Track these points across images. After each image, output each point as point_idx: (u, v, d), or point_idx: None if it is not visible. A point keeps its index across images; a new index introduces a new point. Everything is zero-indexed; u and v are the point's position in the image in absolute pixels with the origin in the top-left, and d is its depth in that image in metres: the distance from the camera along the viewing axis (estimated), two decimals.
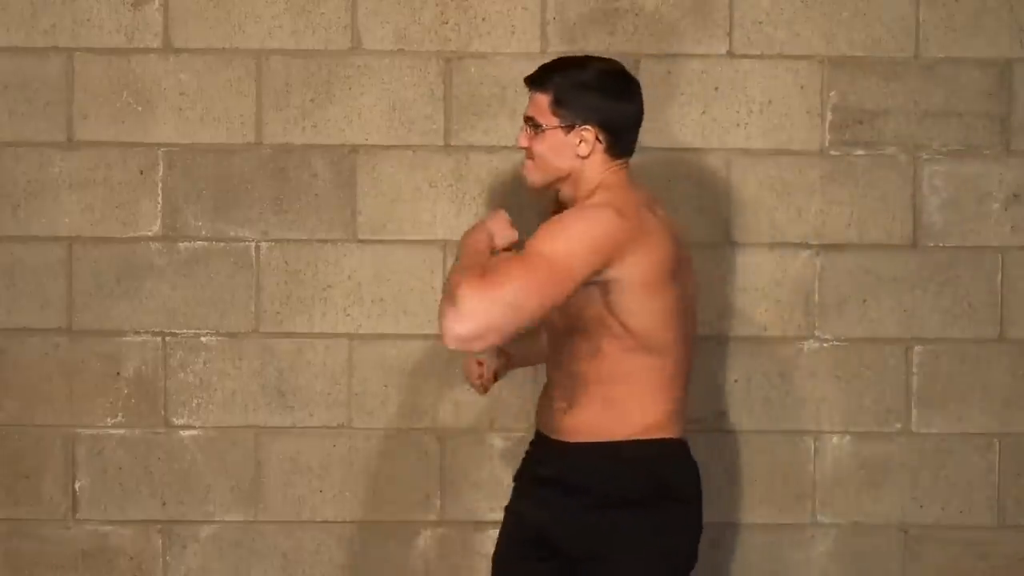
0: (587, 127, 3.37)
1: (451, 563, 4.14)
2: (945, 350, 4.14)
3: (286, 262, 4.11)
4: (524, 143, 3.42)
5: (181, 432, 4.10)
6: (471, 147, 4.10)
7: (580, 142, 3.38)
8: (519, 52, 4.09)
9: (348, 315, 4.12)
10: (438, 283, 4.11)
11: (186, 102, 4.09)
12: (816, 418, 4.13)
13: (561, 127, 3.37)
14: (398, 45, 4.10)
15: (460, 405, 4.12)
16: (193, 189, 4.10)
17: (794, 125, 4.11)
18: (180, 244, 4.10)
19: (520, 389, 4.10)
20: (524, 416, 4.11)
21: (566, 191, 3.43)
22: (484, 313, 3.06)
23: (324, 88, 4.09)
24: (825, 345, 4.10)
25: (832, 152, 4.12)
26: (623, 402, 3.34)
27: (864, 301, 4.12)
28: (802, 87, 4.10)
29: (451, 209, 4.11)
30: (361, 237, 4.11)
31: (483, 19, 4.10)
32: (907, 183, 4.12)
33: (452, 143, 4.11)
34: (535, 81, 3.42)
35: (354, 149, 4.11)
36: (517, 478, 3.55)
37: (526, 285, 3.11)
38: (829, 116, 4.11)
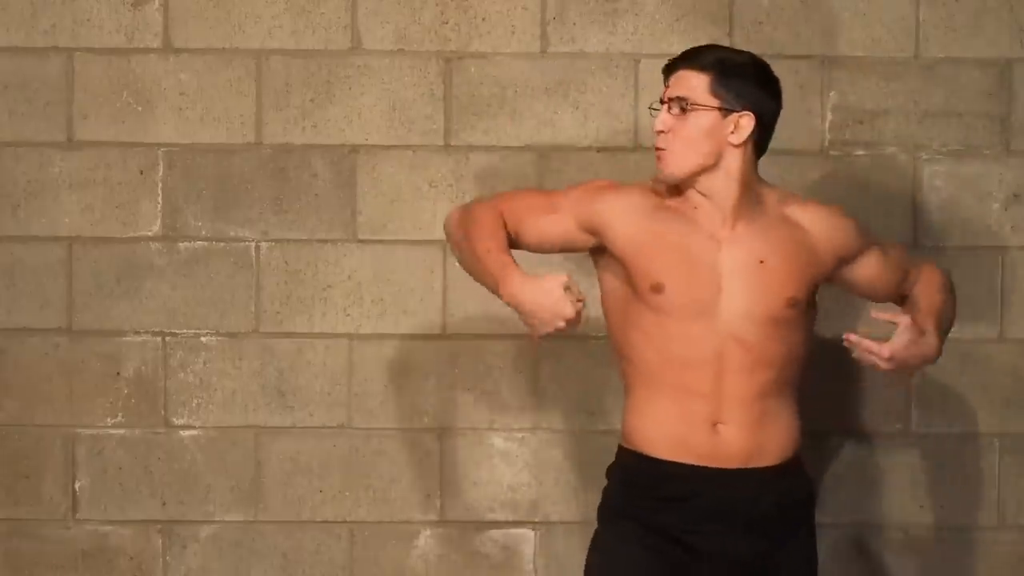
0: (747, 113, 3.31)
1: (451, 563, 4.14)
2: (945, 350, 4.12)
3: (286, 262, 4.11)
4: (666, 126, 3.31)
5: (181, 432, 4.10)
6: (471, 147, 4.10)
7: (734, 129, 3.30)
8: (519, 52, 4.09)
9: (348, 315, 4.11)
10: (438, 283, 4.11)
11: (186, 102, 4.09)
12: (816, 418, 4.12)
13: (719, 109, 3.29)
14: (398, 45, 4.09)
15: (460, 405, 4.12)
16: (193, 189, 4.10)
17: (794, 125, 4.11)
18: (180, 244, 4.10)
19: (521, 389, 4.10)
20: (525, 416, 4.11)
21: (719, 187, 3.34)
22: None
23: (324, 88, 4.09)
24: (825, 345, 4.10)
25: (832, 152, 4.12)
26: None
27: (864, 301, 4.11)
28: (802, 87, 4.10)
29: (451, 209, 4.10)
30: (361, 237, 4.11)
31: (483, 19, 4.09)
32: (907, 183, 4.12)
33: (452, 143, 4.11)
34: (690, 59, 3.33)
35: (354, 149, 4.10)
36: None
37: None
38: (829, 116, 4.11)
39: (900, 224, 4.12)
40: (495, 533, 4.14)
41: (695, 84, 3.32)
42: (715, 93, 3.30)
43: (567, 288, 3.25)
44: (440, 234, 4.09)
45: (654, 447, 3.38)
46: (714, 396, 3.35)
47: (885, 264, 3.55)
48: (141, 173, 4.09)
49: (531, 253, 3.51)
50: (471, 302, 4.10)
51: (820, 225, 3.45)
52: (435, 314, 4.11)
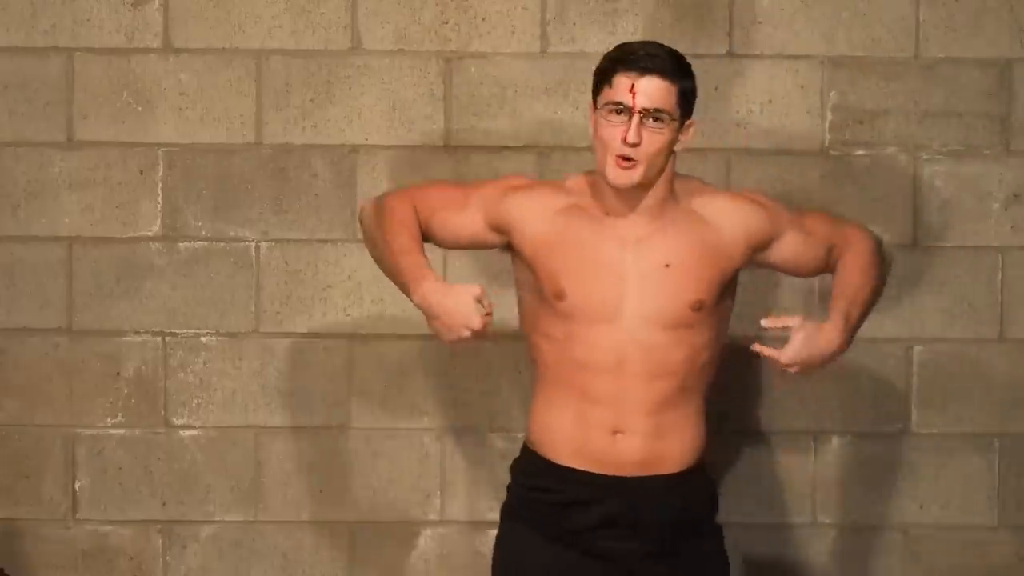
0: (694, 120, 3.33)
1: (451, 563, 4.14)
2: (945, 350, 4.13)
3: (286, 262, 4.11)
4: (637, 139, 3.23)
5: (181, 432, 4.10)
6: (471, 147, 4.10)
7: (683, 137, 3.32)
8: (519, 52, 4.09)
9: (348, 315, 4.11)
10: None
11: (186, 102, 4.09)
12: (816, 418, 4.13)
13: (679, 121, 3.29)
14: (398, 45, 4.09)
15: (460, 405, 4.12)
16: (193, 189, 4.10)
17: (794, 125, 4.11)
18: (180, 244, 4.10)
19: (520, 389, 4.10)
20: (524, 416, 4.10)
21: (654, 190, 3.33)
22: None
23: (324, 88, 4.09)
24: None
25: (832, 152, 4.11)
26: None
27: None
28: (802, 87, 4.10)
29: None
30: (361, 237, 4.10)
31: (483, 19, 4.09)
32: (907, 183, 4.12)
33: (452, 143, 4.10)
34: (664, 70, 3.25)
35: (354, 149, 4.10)
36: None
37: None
38: (829, 116, 4.11)
39: (900, 224, 4.12)
40: (495, 533, 4.13)
41: (667, 96, 3.26)
42: (680, 105, 3.28)
43: (478, 299, 3.28)
44: None
45: (555, 452, 3.40)
46: (614, 403, 3.34)
47: (805, 242, 3.46)
48: (141, 173, 4.09)
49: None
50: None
51: (726, 217, 3.40)
52: None
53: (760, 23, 4.10)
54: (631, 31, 4.06)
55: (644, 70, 3.25)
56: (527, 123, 4.09)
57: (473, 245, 3.53)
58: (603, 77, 3.31)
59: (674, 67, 3.28)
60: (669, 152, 3.31)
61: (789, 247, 3.46)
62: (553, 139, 4.10)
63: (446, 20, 4.09)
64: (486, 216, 3.47)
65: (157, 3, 4.08)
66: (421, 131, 4.10)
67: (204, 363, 4.11)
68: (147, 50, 4.08)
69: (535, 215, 3.41)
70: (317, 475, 4.13)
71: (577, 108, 4.05)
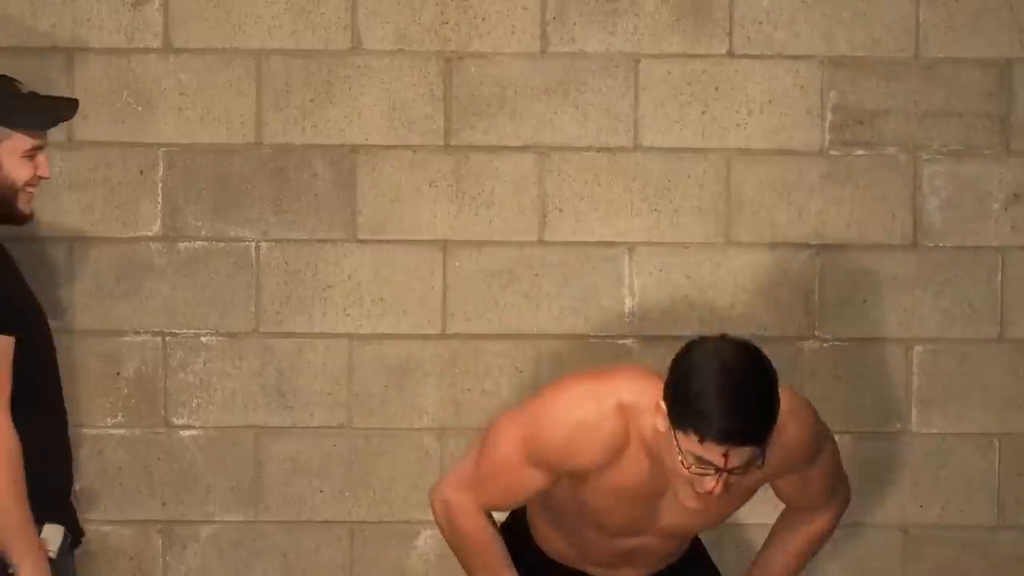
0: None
1: (451, 563, 4.13)
2: (945, 350, 4.14)
3: (286, 262, 4.11)
4: (722, 491, 2.97)
5: (181, 432, 4.10)
6: (471, 147, 4.10)
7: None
8: (519, 52, 4.09)
9: (348, 315, 4.12)
10: (438, 283, 4.11)
11: (186, 102, 4.09)
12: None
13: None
14: (398, 45, 4.09)
15: (460, 405, 4.12)
16: (193, 189, 4.10)
17: (794, 125, 4.11)
18: (180, 244, 4.10)
19: (520, 389, 4.10)
20: None
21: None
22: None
23: (324, 88, 4.09)
24: (825, 345, 4.10)
25: (832, 152, 4.12)
26: None
27: (864, 301, 4.12)
28: (802, 87, 4.10)
29: (451, 209, 4.10)
30: (361, 237, 4.11)
31: (483, 19, 4.09)
32: (907, 183, 4.12)
33: (452, 143, 4.11)
34: (763, 436, 2.96)
35: (354, 149, 4.10)
36: None
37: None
38: (829, 116, 4.11)
39: (900, 224, 4.12)
40: None
41: (755, 455, 2.97)
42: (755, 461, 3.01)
43: None
44: (440, 234, 4.10)
45: (555, 554, 3.35)
46: (623, 558, 3.31)
47: (797, 487, 3.30)
48: (141, 173, 4.09)
49: None
50: (471, 302, 4.11)
51: (776, 461, 3.11)
52: (435, 314, 4.11)
53: (760, 23, 4.10)
54: (631, 31, 4.07)
55: (740, 443, 2.95)
56: (527, 123, 4.09)
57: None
58: (692, 428, 2.94)
59: (766, 430, 2.97)
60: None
61: (786, 483, 3.29)
62: (553, 139, 4.10)
63: (446, 20, 4.09)
64: (551, 474, 3.17)
65: (157, 3, 4.08)
66: (421, 131, 4.10)
67: (204, 363, 4.11)
68: (147, 50, 4.08)
69: (605, 474, 3.14)
70: (317, 475, 4.13)
71: (577, 108, 4.05)
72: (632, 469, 3.10)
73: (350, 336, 4.12)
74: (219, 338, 4.11)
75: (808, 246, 4.11)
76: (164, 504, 4.10)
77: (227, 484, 4.12)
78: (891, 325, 4.12)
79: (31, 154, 3.44)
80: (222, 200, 4.10)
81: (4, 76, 3.54)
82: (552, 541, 3.36)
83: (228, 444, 4.12)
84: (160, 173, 4.10)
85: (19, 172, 3.42)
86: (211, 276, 4.10)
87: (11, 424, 3.33)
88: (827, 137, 4.11)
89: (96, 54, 4.07)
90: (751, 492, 3.23)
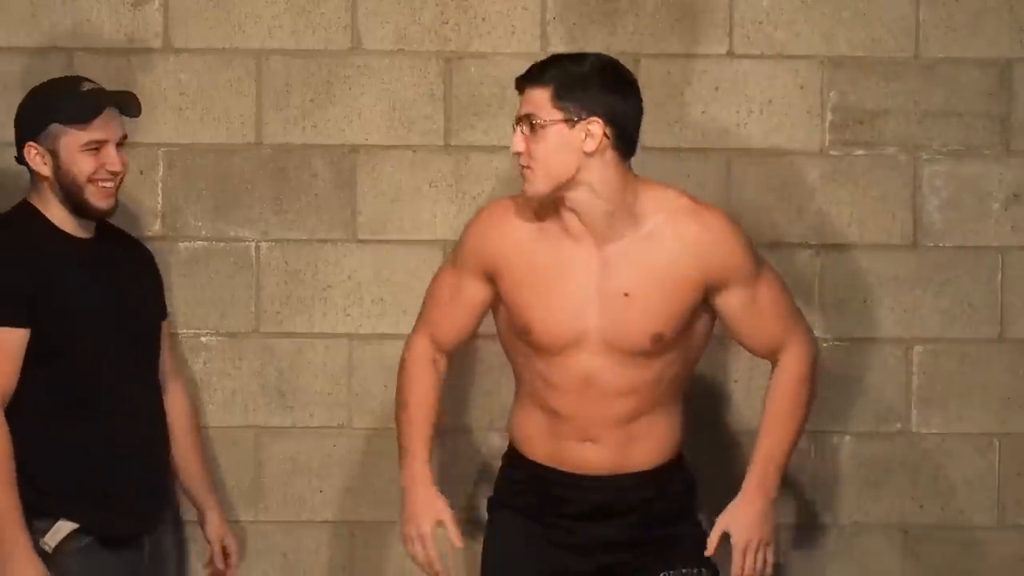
0: (594, 119, 3.25)
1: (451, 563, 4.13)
2: (945, 350, 4.13)
3: (286, 262, 4.11)
4: (520, 147, 3.29)
5: None
6: (471, 147, 4.10)
7: (586, 136, 3.25)
8: (519, 52, 4.09)
9: (348, 315, 4.11)
10: None
11: (186, 102, 4.09)
12: (816, 418, 4.12)
13: (564, 121, 3.26)
14: (398, 45, 4.09)
15: (460, 405, 4.12)
16: (193, 189, 4.10)
17: (794, 125, 4.11)
18: (180, 244, 4.10)
19: None
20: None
21: (584, 200, 3.29)
22: (813, 341, 3.53)
23: (324, 88, 4.09)
24: (825, 345, 4.10)
25: (832, 152, 4.12)
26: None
27: (864, 301, 4.11)
28: (802, 87, 4.10)
29: (451, 209, 4.10)
30: (361, 237, 4.11)
31: (483, 19, 4.09)
32: (907, 183, 4.12)
33: (452, 143, 4.11)
34: (531, 77, 3.31)
35: (354, 149, 4.10)
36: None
37: (791, 297, 3.53)
38: (829, 116, 4.11)
39: (900, 224, 4.12)
40: None
41: (539, 100, 3.28)
42: (558, 106, 3.27)
43: (440, 526, 3.50)
44: (440, 234, 4.11)
45: (533, 453, 3.48)
46: (581, 418, 3.39)
47: (748, 309, 3.41)
48: (141, 173, 4.08)
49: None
50: None
51: (693, 247, 3.33)
52: None
53: (760, 23, 4.10)
54: (631, 31, 4.06)
55: (520, 86, 3.36)
56: None
57: (490, 309, 3.54)
58: None
59: (549, 73, 3.30)
60: (566, 156, 3.27)
61: (734, 302, 3.39)
62: None
63: (446, 20, 4.09)
64: (482, 278, 3.48)
65: (157, 3, 4.08)
66: (421, 131, 4.10)
67: (204, 363, 4.11)
68: (147, 50, 4.08)
69: (510, 255, 3.41)
70: (317, 475, 4.13)
71: None
72: (532, 249, 3.37)
73: (350, 336, 4.12)
74: (219, 338, 4.11)
75: (808, 246, 4.11)
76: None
77: (227, 484, 4.12)
78: (891, 325, 4.12)
79: (91, 148, 3.54)
80: (222, 200, 4.10)
81: (69, 77, 3.72)
82: (527, 428, 3.47)
83: (228, 444, 4.12)
84: (160, 173, 4.10)
85: (80, 166, 3.55)
86: (211, 276, 4.10)
87: (3, 419, 3.43)
88: (827, 137, 4.11)
89: (96, 54, 4.07)
90: (679, 309, 3.34)
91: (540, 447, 3.47)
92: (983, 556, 4.15)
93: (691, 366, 3.50)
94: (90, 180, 3.55)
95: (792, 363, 3.45)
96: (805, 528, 4.14)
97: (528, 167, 3.30)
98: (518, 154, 3.32)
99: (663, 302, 3.32)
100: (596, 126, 3.26)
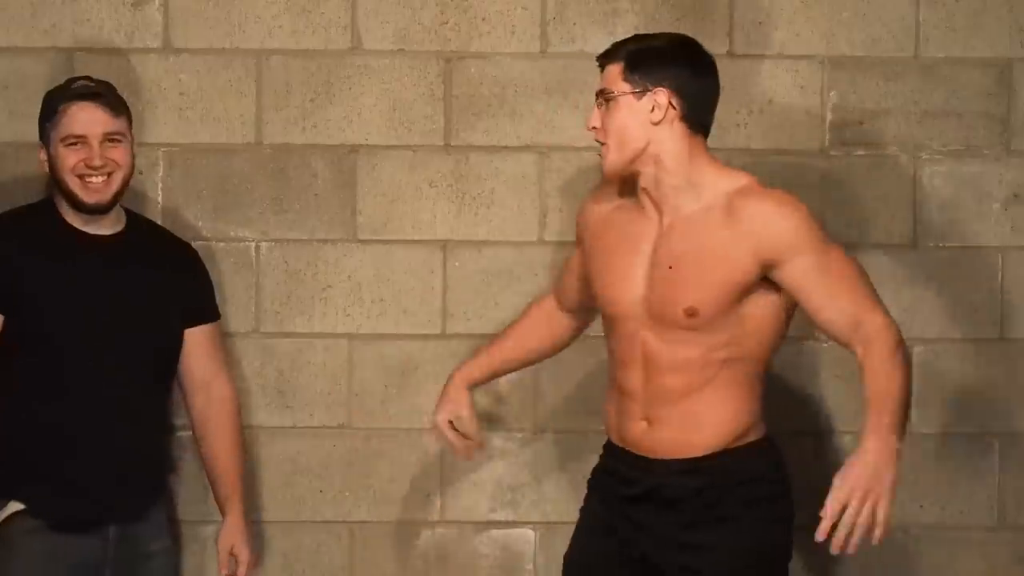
0: (660, 89, 3.29)
1: (451, 563, 4.14)
2: (945, 350, 4.14)
3: (286, 262, 4.11)
4: (595, 122, 3.34)
5: (181, 432, 4.09)
6: (471, 147, 4.10)
7: (653, 108, 3.29)
8: (519, 52, 4.09)
9: (348, 315, 4.12)
10: (438, 283, 4.11)
11: (186, 102, 4.09)
12: (816, 418, 4.13)
13: (632, 92, 3.30)
14: (398, 45, 4.10)
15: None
16: (193, 189, 4.10)
17: (794, 125, 4.11)
18: None
19: (521, 389, 4.10)
20: (525, 416, 4.11)
21: (652, 173, 3.33)
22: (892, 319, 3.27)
23: (324, 88, 4.09)
24: (825, 345, 4.10)
25: (832, 152, 4.12)
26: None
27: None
28: (802, 87, 4.10)
29: (451, 209, 4.11)
30: (361, 237, 4.11)
31: (483, 19, 4.10)
32: (907, 183, 4.12)
33: (452, 143, 4.11)
34: (607, 53, 3.36)
35: (354, 149, 4.11)
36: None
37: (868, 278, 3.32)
38: (829, 116, 4.11)
39: (900, 224, 4.12)
40: (495, 533, 4.14)
41: (611, 74, 3.33)
42: (627, 79, 3.31)
43: (449, 422, 3.67)
44: (440, 234, 4.10)
45: (609, 433, 3.51)
46: (642, 395, 3.38)
47: (815, 280, 3.27)
48: (141, 173, 4.08)
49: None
50: (471, 302, 4.11)
51: (746, 223, 3.28)
52: (435, 314, 4.11)
53: (760, 23, 4.10)
54: (631, 31, 4.05)
55: (601, 64, 3.38)
56: (527, 123, 4.09)
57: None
58: None
59: (622, 49, 3.35)
60: (637, 128, 3.31)
61: (798, 272, 3.27)
62: (553, 139, 4.10)
63: (446, 20, 4.09)
64: (582, 249, 3.60)
65: (157, 3, 4.08)
66: (421, 131, 4.10)
67: None
68: (147, 50, 4.08)
69: (587, 236, 3.54)
70: (317, 475, 4.13)
71: (577, 108, 4.04)
72: (609, 221, 3.47)
73: (350, 336, 4.12)
74: None
75: None
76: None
77: None
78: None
79: (71, 144, 3.63)
80: (222, 200, 4.10)
81: (73, 77, 3.78)
82: (607, 407, 3.50)
83: None
84: (160, 173, 4.10)
85: (63, 162, 3.64)
86: (211, 276, 4.09)
87: None
88: (827, 137, 4.11)
89: (96, 54, 4.07)
90: (719, 284, 3.29)
91: (613, 426, 3.47)
92: (983, 556, 4.15)
93: (757, 352, 3.37)
94: (75, 175, 3.63)
95: (878, 341, 3.24)
96: (805, 528, 4.13)
97: (602, 141, 3.35)
98: (594, 129, 3.36)
99: (703, 276, 3.30)
100: (662, 96, 3.30)
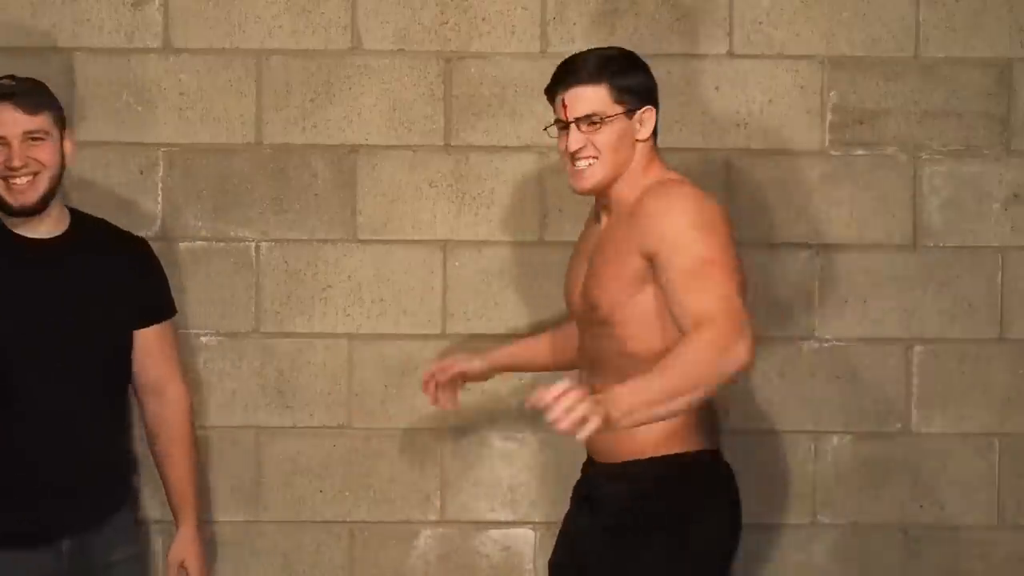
0: (648, 107, 3.36)
1: (451, 563, 4.14)
2: (945, 350, 4.13)
3: (286, 262, 4.11)
4: (579, 144, 3.35)
5: None
6: (471, 147, 4.10)
7: (640, 125, 3.36)
8: (519, 52, 4.09)
9: (348, 315, 4.11)
10: (438, 283, 4.11)
11: (186, 102, 4.09)
12: (816, 418, 4.13)
13: (625, 113, 3.33)
14: (398, 45, 4.09)
15: (460, 405, 4.11)
16: (193, 189, 4.10)
17: (794, 125, 4.11)
18: (180, 244, 4.10)
19: (520, 389, 4.10)
20: (524, 416, 4.11)
21: (617, 185, 3.38)
22: (747, 338, 3.03)
23: (324, 88, 4.09)
24: (825, 345, 4.10)
25: (832, 152, 4.12)
26: None
27: (864, 301, 4.12)
28: (802, 87, 4.10)
29: (451, 209, 4.11)
30: (361, 237, 4.11)
31: (483, 19, 4.10)
32: (907, 183, 4.12)
33: (452, 143, 4.11)
34: (581, 78, 3.34)
35: (354, 149, 4.10)
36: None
37: (738, 290, 3.15)
38: (829, 116, 4.11)
39: (900, 224, 4.12)
40: (495, 533, 4.14)
41: (596, 97, 3.34)
42: (617, 100, 3.34)
43: (431, 374, 3.73)
44: (440, 234, 4.10)
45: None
46: (588, 394, 3.29)
47: (665, 279, 3.19)
48: (141, 173, 4.09)
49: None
50: (471, 302, 4.11)
51: (640, 215, 3.28)
52: (435, 314, 4.11)
53: (760, 23, 4.10)
54: (631, 31, 4.07)
55: (568, 84, 3.37)
56: (527, 123, 4.09)
57: None
58: (548, 99, 3.46)
59: (598, 70, 3.34)
60: (625, 145, 3.36)
61: (659, 273, 3.22)
62: (553, 139, 4.09)
63: (446, 20, 4.09)
64: None
65: (157, 3, 4.08)
66: (421, 131, 4.10)
67: (204, 363, 4.11)
68: (147, 50, 4.08)
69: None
70: (317, 475, 4.13)
71: None
72: (578, 238, 3.61)
73: (350, 336, 4.12)
74: (219, 338, 4.11)
75: (808, 246, 4.11)
76: (164, 504, 4.09)
77: (227, 484, 4.12)
78: (891, 325, 4.12)
79: None
80: (222, 200, 4.10)
81: None
82: None
83: (228, 444, 4.12)
84: (160, 173, 4.10)
85: None
86: (211, 276, 4.10)
87: None
88: (827, 137, 4.11)
89: (96, 54, 4.07)
90: (616, 277, 3.31)
91: None
92: (983, 556, 4.15)
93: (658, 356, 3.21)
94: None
95: (704, 328, 3.05)
96: (805, 528, 4.14)
97: (594, 157, 3.36)
98: (574, 152, 3.36)
99: (604, 268, 3.36)
100: (650, 114, 3.38)
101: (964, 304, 4.13)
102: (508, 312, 4.10)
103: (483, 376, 3.80)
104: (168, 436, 3.77)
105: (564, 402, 2.86)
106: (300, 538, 4.13)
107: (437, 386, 3.74)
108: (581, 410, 2.85)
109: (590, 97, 3.34)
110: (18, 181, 3.52)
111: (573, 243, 3.68)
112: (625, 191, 3.38)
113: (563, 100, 3.37)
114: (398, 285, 4.11)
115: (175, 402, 3.78)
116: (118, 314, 3.66)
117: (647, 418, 2.98)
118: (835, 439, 4.14)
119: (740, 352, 3.01)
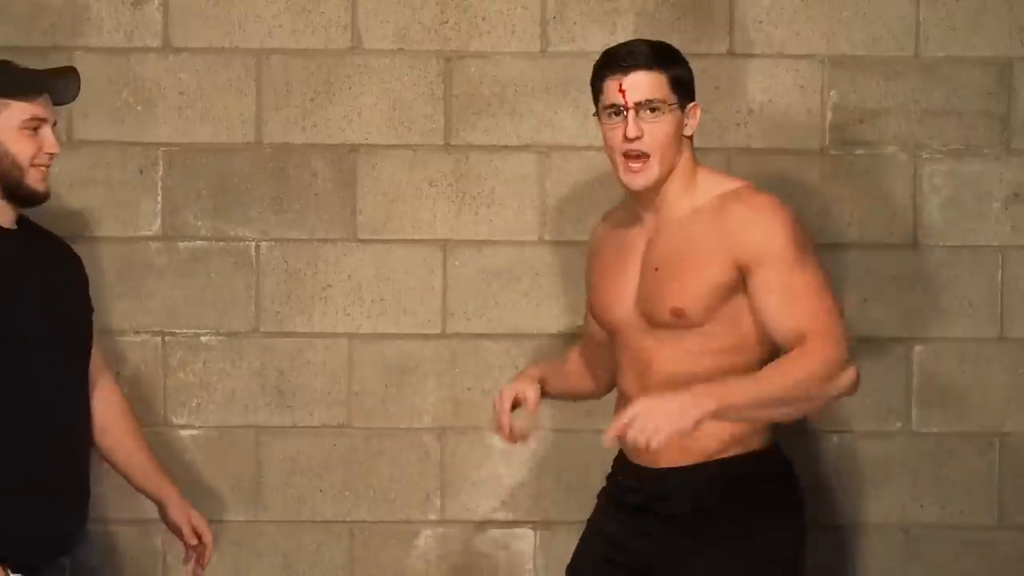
0: (696, 103, 3.33)
1: (451, 563, 4.14)
2: (945, 350, 4.14)
3: (286, 262, 4.11)
4: (637, 132, 3.25)
5: (181, 432, 4.10)
6: (471, 147, 4.11)
7: (688, 120, 3.32)
8: (519, 52, 4.09)
9: (348, 315, 4.12)
10: (438, 283, 4.11)
11: (186, 102, 4.09)
12: (816, 418, 4.13)
13: (679, 104, 3.29)
14: (398, 45, 4.10)
15: (460, 405, 4.12)
16: (193, 189, 4.10)
17: (794, 125, 4.11)
18: (180, 244, 4.10)
19: None
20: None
21: (664, 183, 3.32)
22: (854, 366, 3.21)
23: (324, 88, 4.09)
24: None
25: (832, 152, 4.12)
26: None
27: (864, 301, 4.12)
28: (802, 86, 4.10)
29: (451, 209, 4.11)
30: (361, 237, 4.11)
31: (483, 19, 4.10)
32: (907, 183, 4.12)
33: (452, 143, 4.11)
34: (643, 63, 3.26)
35: (354, 149, 4.11)
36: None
37: (837, 305, 3.23)
38: (829, 115, 4.11)
39: (900, 224, 4.12)
40: (495, 533, 4.14)
41: (657, 84, 3.28)
42: (673, 90, 3.30)
43: (516, 403, 3.50)
44: (440, 233, 4.10)
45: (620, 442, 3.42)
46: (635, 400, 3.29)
47: (774, 294, 3.22)
48: (141, 173, 4.09)
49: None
50: (471, 302, 4.11)
51: (728, 224, 3.26)
52: (435, 314, 4.11)
53: (760, 23, 4.10)
54: (631, 31, 4.07)
55: (627, 68, 3.29)
56: (527, 123, 4.09)
57: None
58: (596, 87, 3.36)
59: (657, 57, 3.30)
60: (678, 139, 3.31)
61: (760, 284, 3.24)
62: (553, 139, 4.10)
63: (446, 20, 4.09)
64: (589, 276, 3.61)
65: (157, 3, 4.08)
66: (421, 131, 4.10)
67: (204, 363, 4.11)
68: (147, 50, 4.09)
69: (594, 251, 3.57)
70: (317, 475, 4.13)
71: (577, 107, 4.05)
72: (606, 241, 3.50)
73: (350, 336, 4.12)
74: (219, 338, 4.11)
75: None
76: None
77: (227, 484, 4.12)
78: (891, 325, 4.12)
79: (31, 126, 3.31)
80: (222, 200, 4.10)
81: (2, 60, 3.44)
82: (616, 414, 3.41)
83: (228, 444, 4.12)
84: (160, 173, 4.10)
85: (20, 146, 3.31)
86: (211, 276, 4.10)
87: None
88: (827, 137, 4.11)
89: (96, 54, 4.07)
90: (704, 285, 3.27)
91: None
92: (983, 556, 4.15)
93: (755, 354, 3.31)
94: (32, 163, 3.31)
95: (806, 351, 3.17)
96: (805, 528, 4.14)
97: (647, 154, 3.27)
98: (637, 139, 3.26)
99: (688, 276, 3.28)
100: (696, 109, 3.34)
101: (964, 304, 4.13)
102: (508, 312, 4.10)
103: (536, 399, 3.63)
104: (120, 426, 3.60)
105: (637, 424, 3.04)
106: (300, 538, 4.13)
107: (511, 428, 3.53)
108: (648, 436, 3.03)
109: (651, 83, 3.27)
110: (45, 168, 3.33)
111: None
112: (677, 190, 3.34)
113: (620, 84, 3.27)
114: (398, 285, 4.11)
115: (111, 392, 3.63)
116: (86, 301, 3.54)
117: (736, 418, 3.15)
118: (835, 439, 4.14)
119: (845, 380, 3.18)
